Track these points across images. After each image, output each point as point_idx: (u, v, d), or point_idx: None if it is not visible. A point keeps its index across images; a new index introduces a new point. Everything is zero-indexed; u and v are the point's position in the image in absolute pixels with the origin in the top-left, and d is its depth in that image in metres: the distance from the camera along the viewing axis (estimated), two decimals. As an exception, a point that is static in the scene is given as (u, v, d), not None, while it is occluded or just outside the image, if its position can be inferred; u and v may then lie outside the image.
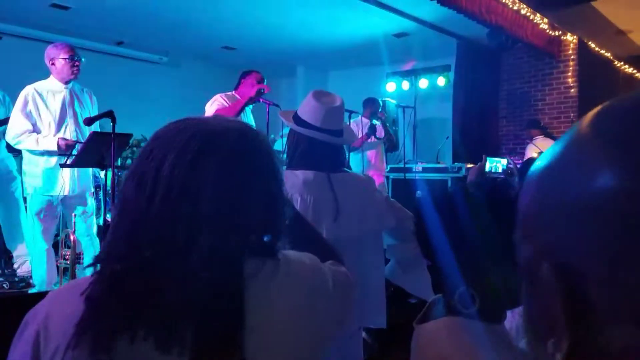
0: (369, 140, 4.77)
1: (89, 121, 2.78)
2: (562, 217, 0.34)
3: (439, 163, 5.58)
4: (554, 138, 5.32)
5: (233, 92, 3.55)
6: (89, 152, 2.81)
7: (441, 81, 6.75)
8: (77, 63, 3.06)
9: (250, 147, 0.72)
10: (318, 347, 0.76)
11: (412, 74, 7.04)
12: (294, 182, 1.46)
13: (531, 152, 5.29)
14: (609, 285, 0.32)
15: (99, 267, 0.69)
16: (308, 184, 1.48)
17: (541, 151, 4.98)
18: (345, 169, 1.63)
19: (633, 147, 0.32)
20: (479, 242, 0.86)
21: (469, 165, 5.40)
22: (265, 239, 0.72)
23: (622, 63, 7.03)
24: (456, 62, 6.48)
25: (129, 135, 3.00)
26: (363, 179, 1.69)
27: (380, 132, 4.98)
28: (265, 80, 3.55)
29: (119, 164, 4.51)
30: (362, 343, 1.70)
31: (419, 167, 5.46)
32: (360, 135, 4.56)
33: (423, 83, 6.93)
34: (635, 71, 7.29)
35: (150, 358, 0.63)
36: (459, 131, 6.32)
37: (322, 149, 1.52)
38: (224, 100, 3.44)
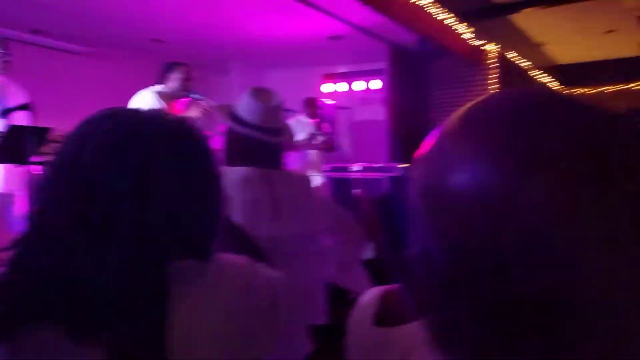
0: (312, 142, 4.83)
1: (4, 113, 2.60)
2: (431, 207, 0.36)
3: (375, 163, 5.77)
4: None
5: (162, 85, 3.41)
6: (4, 147, 2.62)
7: (376, 84, 6.96)
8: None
9: (180, 142, 0.68)
10: (250, 349, 0.74)
11: (348, 77, 7.20)
12: (233, 179, 1.45)
13: None
14: (467, 279, 0.33)
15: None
16: (247, 182, 1.47)
17: None
18: (284, 167, 1.65)
19: (492, 145, 0.33)
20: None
21: (403, 165, 5.63)
22: (195, 240, 0.69)
23: (537, 73, 7.59)
24: (389, 67, 6.69)
25: (48, 130, 2.83)
26: (302, 177, 1.71)
27: (321, 135, 5.04)
28: (194, 74, 3.44)
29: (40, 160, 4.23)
30: (305, 340, 1.73)
31: (357, 166, 5.62)
32: (301, 134, 4.60)
33: (358, 86, 7.11)
34: (548, 81, 7.91)
35: (62, 350, 0.59)
36: (393, 133, 6.53)
37: (262, 148, 1.52)
38: (158, 100, 3.30)
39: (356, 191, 5.23)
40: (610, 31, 6.26)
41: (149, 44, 6.52)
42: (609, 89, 7.71)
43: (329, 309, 1.67)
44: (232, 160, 1.53)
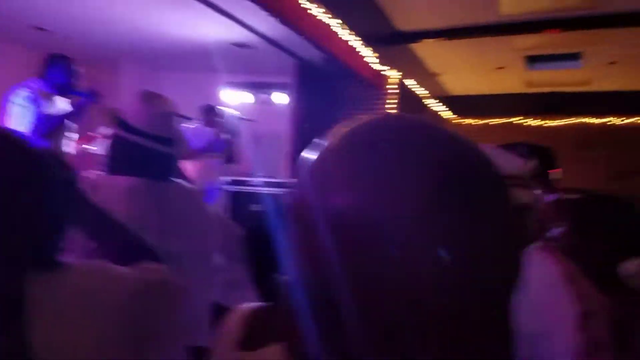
0: (209, 152, 4.69)
1: None
2: (310, 226, 0.37)
3: (277, 178, 5.75)
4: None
5: (42, 81, 3.12)
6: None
7: (281, 98, 6.98)
8: None
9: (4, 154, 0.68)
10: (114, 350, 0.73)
11: (252, 87, 7.14)
12: (116, 190, 1.35)
13: None
14: (348, 296, 0.35)
15: None
16: (132, 194, 1.37)
17: None
18: (174, 179, 1.56)
19: (365, 167, 0.35)
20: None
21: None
22: (44, 250, 0.70)
23: (432, 102, 8.15)
24: (296, 82, 6.77)
25: None
26: (191, 190, 1.63)
27: (220, 145, 4.92)
28: (80, 70, 3.19)
29: None
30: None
31: (259, 180, 5.55)
32: (197, 143, 4.44)
33: (263, 97, 7.09)
34: (441, 110, 8.52)
35: None
36: (297, 149, 6.59)
37: (150, 157, 1.43)
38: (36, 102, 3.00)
39: (255, 206, 5.16)
40: (500, 68, 6.92)
41: (31, 32, 5.95)
42: (493, 121, 8.49)
43: (212, 331, 1.62)
44: (116, 169, 1.42)
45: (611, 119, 7.79)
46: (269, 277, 1.00)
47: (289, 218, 0.39)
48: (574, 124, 8.02)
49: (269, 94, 7.05)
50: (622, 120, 7.75)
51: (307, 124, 6.53)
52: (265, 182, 5.50)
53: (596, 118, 7.86)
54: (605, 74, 6.84)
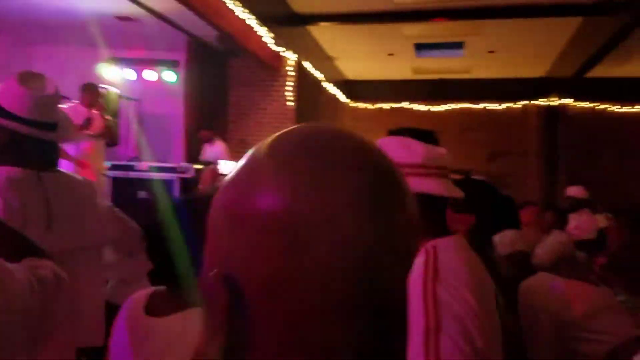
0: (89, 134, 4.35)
1: None
2: (234, 228, 0.38)
3: (166, 163, 5.49)
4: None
5: None
6: None
7: (170, 76, 6.65)
8: None
9: None
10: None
11: (138, 64, 6.71)
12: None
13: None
14: (264, 298, 0.37)
15: None
16: (13, 184, 1.25)
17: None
18: (60, 169, 1.45)
19: (294, 172, 0.37)
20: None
21: (198, 167, 5.47)
22: None
23: (328, 85, 8.32)
24: (186, 60, 6.50)
25: None
26: (82, 182, 1.52)
27: (99, 125, 4.59)
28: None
29: None
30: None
31: (144, 165, 5.26)
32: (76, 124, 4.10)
33: (150, 75, 6.68)
34: (336, 93, 8.74)
35: None
36: (190, 131, 6.35)
37: (31, 144, 1.31)
38: None
39: (142, 194, 4.92)
40: (391, 54, 7.25)
41: None
42: (385, 106, 8.92)
43: (105, 330, 1.54)
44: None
45: (490, 104, 8.56)
46: (169, 270, 1.02)
47: (217, 218, 0.41)
48: (457, 109, 8.68)
49: (158, 72, 6.69)
50: (500, 106, 8.56)
51: (201, 105, 6.34)
52: (154, 167, 5.25)
53: (476, 103, 8.58)
54: (485, 62, 7.48)
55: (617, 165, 7.78)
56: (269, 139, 0.41)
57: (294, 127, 0.42)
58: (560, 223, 4.02)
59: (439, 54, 7.15)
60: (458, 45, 6.77)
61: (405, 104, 8.82)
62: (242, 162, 0.41)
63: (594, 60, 6.26)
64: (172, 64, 6.66)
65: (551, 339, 2.10)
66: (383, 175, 0.40)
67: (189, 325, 0.95)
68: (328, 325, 0.36)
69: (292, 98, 6.73)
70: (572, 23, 5.59)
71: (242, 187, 0.39)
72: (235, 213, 0.38)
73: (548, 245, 2.27)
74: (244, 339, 0.38)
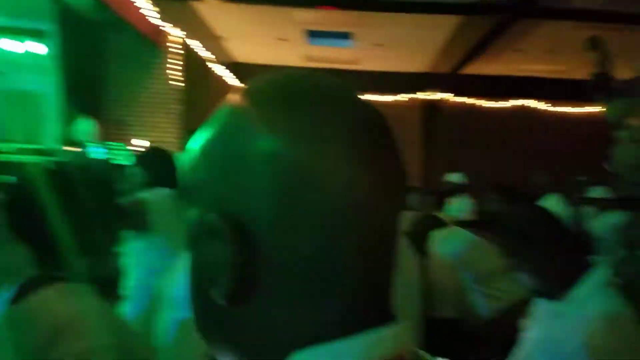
0: None
1: None
2: (230, 175, 0.40)
3: (34, 144, 4.96)
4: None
5: None
6: None
7: (38, 47, 5.98)
8: None
9: None
10: None
11: (-3, 31, 5.96)
12: None
13: None
14: (271, 238, 0.38)
15: None
16: None
17: None
18: None
19: (285, 117, 0.39)
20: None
21: (71, 149, 5.04)
22: None
23: (216, 66, 8.10)
24: (57, 30, 5.90)
25: None
26: None
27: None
28: None
29: None
30: None
31: (11, 147, 4.71)
32: None
33: (12, 45, 5.96)
34: (225, 75, 8.54)
35: None
36: (63, 109, 5.79)
37: None
38: None
39: (6, 178, 4.41)
40: (282, 39, 7.24)
41: None
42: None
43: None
44: None
45: (378, 96, 8.93)
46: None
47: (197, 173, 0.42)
48: (347, 99, 8.93)
49: (22, 42, 6.00)
50: (387, 98, 8.95)
51: (75, 81, 5.82)
52: (19, 149, 4.73)
53: (364, 94, 8.89)
54: (373, 54, 7.77)
55: (486, 154, 8.56)
56: (246, 91, 0.43)
57: (265, 77, 0.45)
58: (440, 205, 4.32)
59: (329, 42, 7.28)
60: (347, 36, 6.95)
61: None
62: (218, 116, 0.43)
63: (470, 57, 6.78)
64: (40, 34, 6.03)
65: (456, 289, 2.33)
66: (375, 121, 0.43)
67: None
68: (332, 266, 0.39)
69: (176, 77, 6.44)
70: (452, 21, 5.99)
71: (231, 137, 0.40)
72: (226, 161, 0.40)
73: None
74: (250, 280, 0.39)
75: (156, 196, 2.43)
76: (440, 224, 2.74)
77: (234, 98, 0.43)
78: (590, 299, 1.34)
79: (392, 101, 8.99)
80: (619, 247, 2.79)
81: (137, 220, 2.32)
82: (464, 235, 2.56)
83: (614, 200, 3.71)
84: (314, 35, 6.97)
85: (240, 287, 0.38)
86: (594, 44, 0.73)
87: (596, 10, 5.46)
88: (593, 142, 8.76)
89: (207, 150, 0.42)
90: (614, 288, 1.39)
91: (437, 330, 2.13)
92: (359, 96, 0.45)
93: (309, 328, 0.39)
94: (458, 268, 2.42)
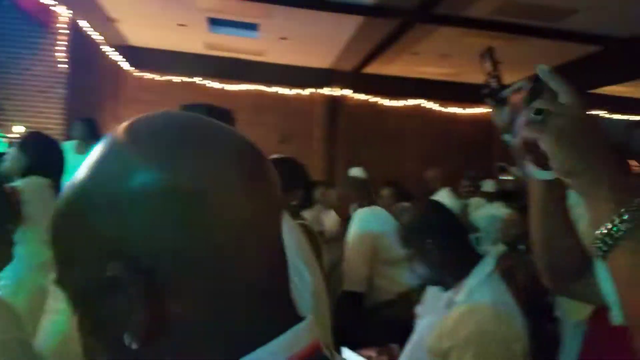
0: None
1: None
2: (123, 217, 0.39)
3: None
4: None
5: None
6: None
7: None
8: None
9: None
10: None
11: None
12: None
13: None
14: (177, 272, 0.39)
15: None
16: None
17: None
18: None
19: (163, 152, 0.40)
20: None
21: None
22: None
23: (109, 49, 7.60)
24: None
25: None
26: None
27: None
28: None
29: None
30: None
31: None
32: None
33: None
34: (118, 60, 8.04)
35: None
36: None
37: None
38: None
39: None
40: (182, 25, 6.96)
41: None
42: (175, 79, 8.56)
43: None
44: None
45: (282, 89, 8.94)
46: None
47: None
48: (252, 91, 8.84)
49: None
50: (290, 91, 9.00)
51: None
52: None
53: (270, 87, 8.87)
54: (278, 47, 7.76)
55: (383, 150, 8.95)
56: (125, 127, 0.43)
57: (148, 115, 0.45)
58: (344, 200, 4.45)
59: (233, 32, 7.14)
60: (253, 27, 6.86)
61: (197, 80, 8.61)
62: (97, 153, 0.42)
63: (371, 57, 7.02)
64: None
65: (365, 268, 2.48)
66: (253, 151, 0.45)
67: None
68: (236, 285, 0.41)
69: (64, 60, 5.95)
70: (355, 21, 6.15)
71: (109, 172, 0.40)
72: (111, 198, 0.39)
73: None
74: (162, 318, 0.38)
75: (30, 185, 2.25)
76: None
77: (117, 136, 0.43)
78: (479, 288, 1.45)
79: (295, 94, 9.05)
80: (500, 241, 3.06)
81: (10, 210, 2.13)
82: (383, 215, 2.72)
83: (499, 193, 4.06)
84: (217, 23, 6.79)
85: (153, 328, 0.38)
86: (489, 53, 0.80)
87: (486, 20, 5.91)
88: (480, 141, 9.54)
89: (88, 192, 0.41)
90: (498, 279, 1.52)
91: (343, 302, 2.24)
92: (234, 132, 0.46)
93: (227, 345, 0.40)
94: (370, 248, 2.59)
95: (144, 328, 0.38)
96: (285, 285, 0.46)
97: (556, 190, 0.87)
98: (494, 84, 0.97)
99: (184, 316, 0.39)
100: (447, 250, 1.50)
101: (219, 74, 8.58)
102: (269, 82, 8.83)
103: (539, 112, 0.67)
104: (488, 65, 0.98)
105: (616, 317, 0.94)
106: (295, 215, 1.95)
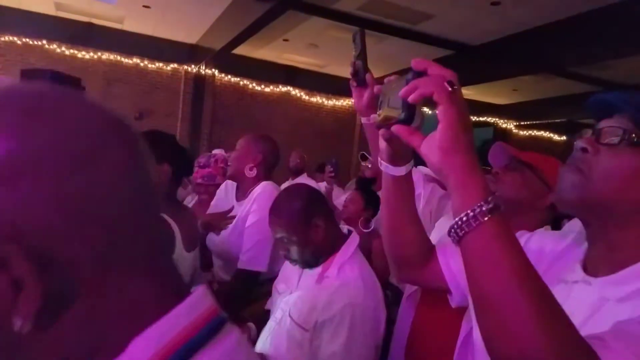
0: None
1: None
2: None
3: None
4: None
5: None
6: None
7: None
8: None
9: None
10: None
11: None
12: None
13: None
14: (63, 247, 0.38)
15: None
16: None
17: None
18: None
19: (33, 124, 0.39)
20: None
21: None
22: None
23: None
24: None
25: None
26: None
27: None
28: None
29: None
30: None
31: None
32: None
33: None
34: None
35: None
36: None
37: None
38: None
39: None
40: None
41: None
42: (18, 41, 7.56)
43: None
44: None
45: (141, 61, 8.39)
46: None
47: None
48: (105, 60, 8.17)
49: None
50: (152, 64, 8.48)
51: None
52: None
53: (128, 58, 8.27)
54: (140, 16, 7.27)
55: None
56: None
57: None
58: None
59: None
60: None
61: (44, 43, 7.72)
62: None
63: (241, 39, 6.91)
64: None
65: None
66: (124, 122, 0.45)
67: None
68: (126, 252, 0.41)
69: None
70: (225, -1, 6.01)
71: None
72: None
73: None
74: (57, 296, 0.37)
75: None
76: None
77: None
78: (348, 264, 1.54)
79: (157, 68, 8.58)
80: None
81: None
82: None
83: (358, 180, 4.30)
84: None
85: (47, 308, 0.37)
86: (360, 35, 0.82)
87: (352, 15, 6.16)
88: (343, 131, 9.98)
89: None
90: (360, 254, 1.62)
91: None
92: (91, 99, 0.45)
93: (132, 317, 0.41)
94: None
95: (38, 307, 0.37)
96: (168, 258, 0.47)
97: (404, 185, 0.94)
98: (359, 65, 1.00)
99: (83, 293, 0.39)
100: (323, 230, 1.56)
101: (69, 38, 7.78)
102: (127, 53, 8.24)
103: (409, 108, 0.70)
104: (357, 46, 1.01)
105: (455, 299, 1.06)
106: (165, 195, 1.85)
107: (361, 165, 4.45)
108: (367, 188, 3.38)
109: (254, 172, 2.28)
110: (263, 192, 2.23)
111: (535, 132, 12.05)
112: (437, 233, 1.75)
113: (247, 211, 2.23)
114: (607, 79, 7.83)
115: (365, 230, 2.99)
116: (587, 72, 7.61)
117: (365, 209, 3.14)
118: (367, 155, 4.20)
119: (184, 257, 1.81)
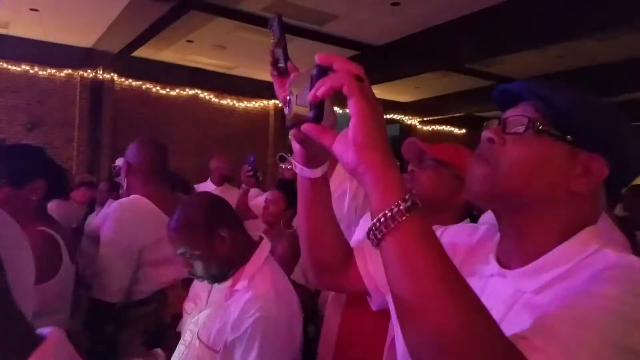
0: None
1: None
2: None
3: None
4: None
5: None
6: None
7: None
8: None
9: None
10: None
11: None
12: None
13: None
14: None
15: None
16: None
17: None
18: None
19: None
20: None
21: None
22: None
23: None
24: None
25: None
26: None
27: None
28: None
29: None
30: None
31: None
32: None
33: None
34: None
35: None
36: None
37: None
38: None
39: None
40: None
41: None
42: None
43: None
44: None
45: (31, 68, 7.73)
46: None
47: None
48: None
49: None
50: (43, 71, 7.84)
51: None
52: None
53: (16, 65, 7.59)
54: (27, 20, 6.69)
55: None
56: None
57: None
58: (115, 191, 4.04)
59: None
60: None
61: None
62: None
63: (142, 40, 6.58)
64: None
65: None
66: None
67: None
68: None
69: None
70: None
71: None
72: None
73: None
74: None
75: None
76: None
77: None
78: (259, 274, 1.45)
79: (49, 75, 7.96)
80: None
81: None
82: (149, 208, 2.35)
83: (278, 182, 4.25)
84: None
85: None
86: (277, 20, 0.76)
87: (257, 15, 6.08)
88: (258, 133, 9.85)
89: None
90: (273, 261, 1.54)
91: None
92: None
93: None
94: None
95: None
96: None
97: (321, 187, 0.89)
98: (279, 53, 0.94)
99: None
100: (229, 240, 1.45)
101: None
102: (15, 60, 7.56)
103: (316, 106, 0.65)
104: (275, 33, 0.94)
105: (375, 303, 1.03)
106: (39, 211, 1.67)
107: (279, 167, 4.37)
108: (289, 188, 3.30)
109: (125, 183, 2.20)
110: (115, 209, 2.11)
111: (437, 127, 12.65)
112: (361, 231, 1.73)
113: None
114: (503, 74, 8.40)
115: (289, 231, 2.94)
116: (483, 67, 8.10)
117: (286, 210, 3.08)
118: (286, 156, 4.14)
119: (70, 266, 1.73)
